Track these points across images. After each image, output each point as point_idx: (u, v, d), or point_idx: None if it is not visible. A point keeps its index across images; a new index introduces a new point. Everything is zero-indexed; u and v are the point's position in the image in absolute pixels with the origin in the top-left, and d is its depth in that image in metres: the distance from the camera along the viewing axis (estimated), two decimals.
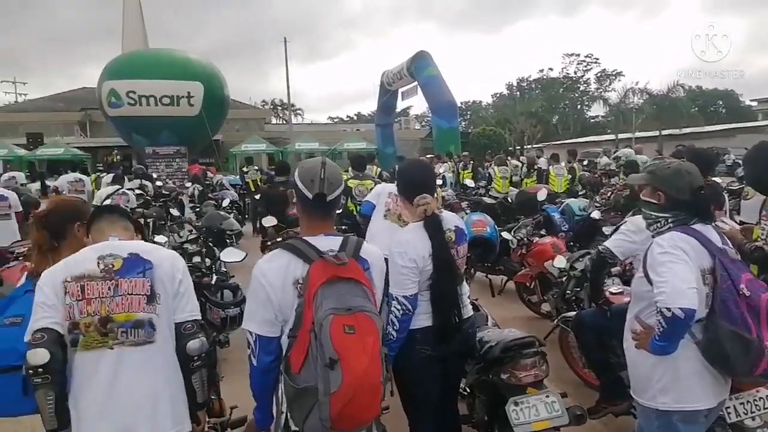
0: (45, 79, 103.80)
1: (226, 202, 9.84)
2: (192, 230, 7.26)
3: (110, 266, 2.09)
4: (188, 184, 13.58)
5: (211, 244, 7.08)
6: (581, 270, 4.74)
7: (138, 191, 10.07)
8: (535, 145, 34.67)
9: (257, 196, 11.52)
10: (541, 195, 7.90)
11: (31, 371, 1.90)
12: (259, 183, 13.34)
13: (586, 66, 58.47)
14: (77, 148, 27.17)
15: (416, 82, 22.26)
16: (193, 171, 16.12)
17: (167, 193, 11.99)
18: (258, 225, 12.80)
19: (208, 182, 14.59)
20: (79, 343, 2.05)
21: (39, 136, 27.05)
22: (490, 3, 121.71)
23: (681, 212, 2.46)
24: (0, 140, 27.40)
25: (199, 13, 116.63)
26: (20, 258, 5.83)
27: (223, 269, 6.15)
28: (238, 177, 15.48)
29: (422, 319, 2.77)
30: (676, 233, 2.39)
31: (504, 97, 63.39)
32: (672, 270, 2.23)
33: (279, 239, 6.27)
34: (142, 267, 2.13)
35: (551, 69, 61.86)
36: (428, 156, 19.37)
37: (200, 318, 2.29)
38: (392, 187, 4.93)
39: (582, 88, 60.58)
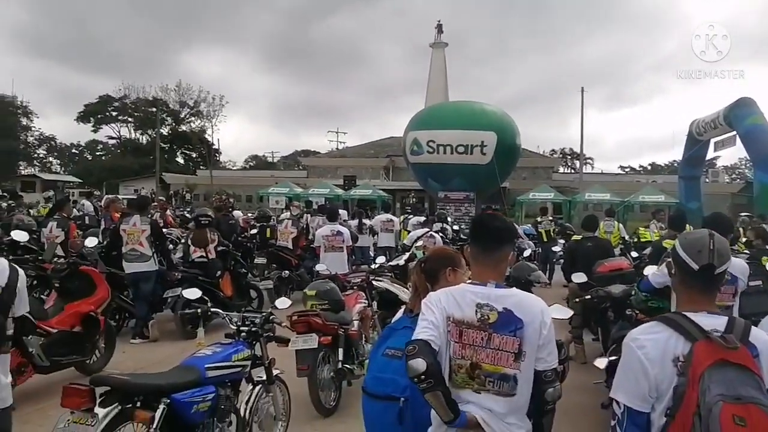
0: (362, 128, 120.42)
1: (527, 253, 9.89)
2: None
3: (486, 317, 2.26)
4: None
5: None
6: None
7: (440, 234, 10.89)
8: None
9: (554, 248, 11.50)
10: None
11: (415, 379, 2.09)
12: (551, 234, 13.27)
13: None
14: (381, 189, 30.65)
15: (734, 132, 19.72)
16: None
17: (465, 237, 12.68)
18: (548, 275, 12.79)
19: None
20: (449, 379, 2.25)
21: (353, 178, 31.40)
22: None
23: None
24: (323, 181, 32.59)
25: (502, 64, 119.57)
26: (354, 287, 6.75)
27: None
28: (530, 226, 15.59)
29: None
30: None
31: None
32: None
33: (587, 297, 6.12)
34: (514, 326, 2.24)
35: None
36: (743, 214, 16.91)
37: (558, 365, 2.34)
38: None
39: None
